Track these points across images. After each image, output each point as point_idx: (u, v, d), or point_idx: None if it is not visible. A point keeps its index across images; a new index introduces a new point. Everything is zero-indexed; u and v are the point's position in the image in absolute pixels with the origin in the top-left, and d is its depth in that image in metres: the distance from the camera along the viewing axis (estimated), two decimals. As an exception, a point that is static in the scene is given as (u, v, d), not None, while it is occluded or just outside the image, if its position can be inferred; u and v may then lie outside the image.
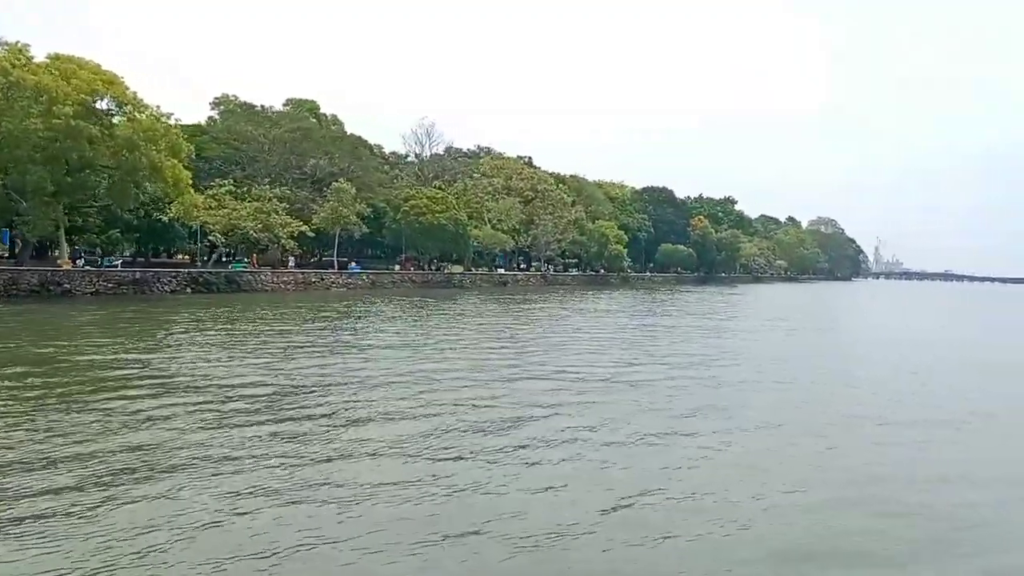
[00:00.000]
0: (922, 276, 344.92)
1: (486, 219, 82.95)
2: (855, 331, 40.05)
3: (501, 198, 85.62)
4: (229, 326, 28.01)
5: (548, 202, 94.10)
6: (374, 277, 67.37)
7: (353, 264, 72.55)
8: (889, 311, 62.62)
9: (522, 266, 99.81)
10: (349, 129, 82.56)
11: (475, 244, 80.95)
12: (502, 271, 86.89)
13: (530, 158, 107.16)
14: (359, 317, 34.68)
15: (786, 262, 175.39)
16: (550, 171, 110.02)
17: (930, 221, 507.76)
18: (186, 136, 65.36)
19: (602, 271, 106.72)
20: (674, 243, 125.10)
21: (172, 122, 47.42)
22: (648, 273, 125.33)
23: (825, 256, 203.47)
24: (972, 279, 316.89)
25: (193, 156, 50.63)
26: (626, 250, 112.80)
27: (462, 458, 10.20)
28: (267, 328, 27.44)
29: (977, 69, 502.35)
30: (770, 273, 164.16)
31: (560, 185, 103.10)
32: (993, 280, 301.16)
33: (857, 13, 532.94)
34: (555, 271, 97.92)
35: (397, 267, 74.86)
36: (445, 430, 11.73)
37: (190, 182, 48.86)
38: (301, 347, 21.81)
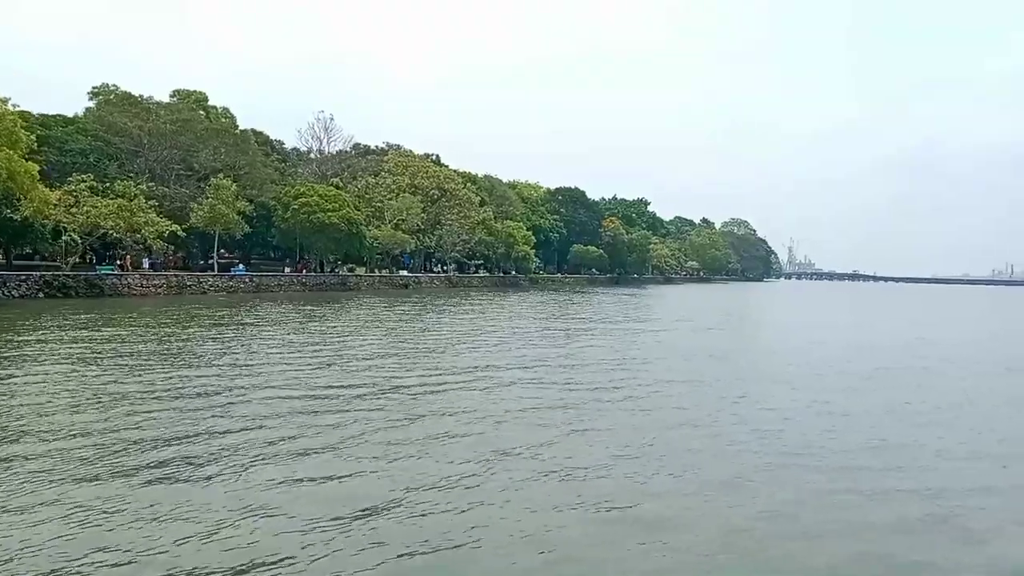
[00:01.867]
0: (831, 276, 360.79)
1: (386, 218, 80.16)
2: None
3: (405, 197, 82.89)
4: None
5: (455, 201, 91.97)
6: (259, 280, 63.67)
7: (239, 266, 68.65)
8: (756, 311, 63.35)
9: (435, 268, 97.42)
10: (261, 126, 78.67)
11: (375, 244, 78.09)
12: (404, 273, 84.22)
13: (437, 156, 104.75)
14: (186, 326, 31.60)
15: (698, 263, 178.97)
16: (460, 170, 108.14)
17: (840, 221, 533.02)
18: (46, 126, 60.57)
19: (513, 272, 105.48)
20: (586, 244, 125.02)
21: (10, 108, 42.79)
22: (560, 274, 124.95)
23: (737, 256, 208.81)
24: (876, 279, 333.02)
25: (34, 147, 45.95)
26: (538, 251, 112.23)
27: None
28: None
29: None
30: (681, 274, 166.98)
31: (470, 184, 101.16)
32: (897, 280, 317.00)
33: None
34: (459, 274, 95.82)
35: (287, 269, 71.25)
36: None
37: (37, 176, 44.42)
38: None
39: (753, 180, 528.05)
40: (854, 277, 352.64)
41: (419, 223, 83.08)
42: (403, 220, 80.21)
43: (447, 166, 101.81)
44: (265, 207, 71.30)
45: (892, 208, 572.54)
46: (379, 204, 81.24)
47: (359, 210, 78.85)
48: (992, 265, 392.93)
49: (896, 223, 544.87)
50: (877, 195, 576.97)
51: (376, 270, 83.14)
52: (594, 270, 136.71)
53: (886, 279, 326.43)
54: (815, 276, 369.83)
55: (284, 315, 38.61)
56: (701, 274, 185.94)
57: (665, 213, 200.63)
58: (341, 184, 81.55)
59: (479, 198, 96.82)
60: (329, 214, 67.72)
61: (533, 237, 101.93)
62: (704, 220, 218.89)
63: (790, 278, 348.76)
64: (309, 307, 45.43)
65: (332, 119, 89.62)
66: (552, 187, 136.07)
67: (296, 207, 67.95)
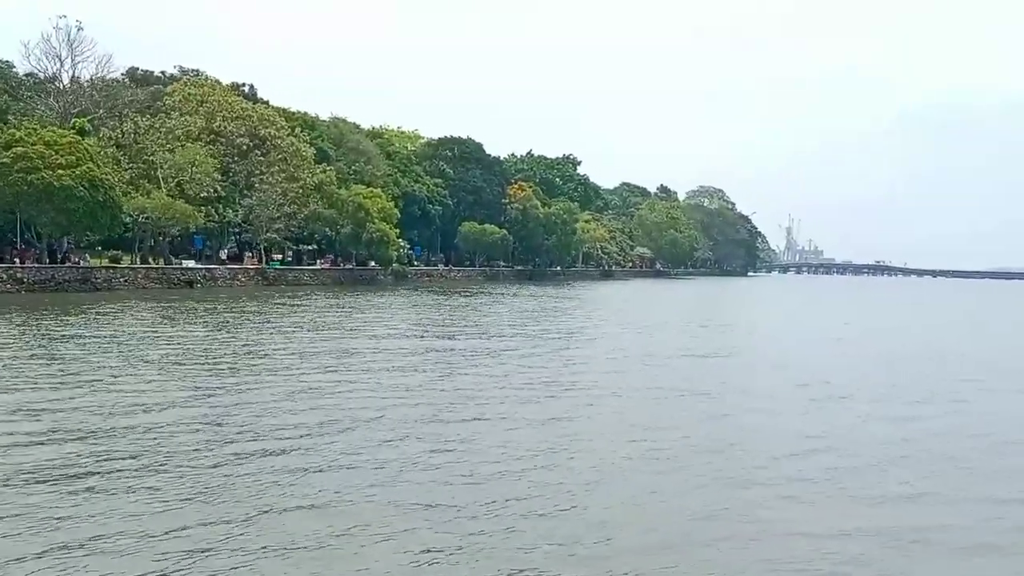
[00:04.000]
0: (845, 269, 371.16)
1: (161, 179, 75.42)
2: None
3: (190, 147, 78.24)
4: None
5: (276, 156, 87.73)
6: (-63, 275, 58.38)
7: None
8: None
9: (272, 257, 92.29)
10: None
11: (143, 220, 73.46)
12: (192, 264, 79.60)
13: (251, 86, 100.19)
14: None
15: (651, 249, 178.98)
16: (293, 109, 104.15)
17: (857, 197, 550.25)
18: None
19: (372, 263, 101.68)
20: (483, 222, 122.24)
21: None
22: (444, 265, 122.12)
23: (709, 241, 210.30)
24: (912, 272, 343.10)
25: None
26: (414, 231, 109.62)
27: None
28: None
29: None
30: (626, 266, 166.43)
31: (304, 131, 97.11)
32: (944, 274, 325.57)
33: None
34: (281, 267, 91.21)
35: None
36: None
37: None
38: None
39: (737, 144, 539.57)
40: (878, 270, 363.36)
41: (215, 187, 78.69)
42: (187, 182, 75.64)
43: (266, 102, 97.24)
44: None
45: (927, 179, 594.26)
46: (151, 158, 76.34)
47: (122, 167, 73.88)
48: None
49: (935, 200, 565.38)
50: (905, 162, 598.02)
51: (152, 259, 78.35)
52: (500, 261, 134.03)
53: (925, 273, 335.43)
54: (823, 268, 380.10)
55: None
56: (658, 265, 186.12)
57: (608, 180, 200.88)
58: (92, 127, 76.03)
59: (314, 150, 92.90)
60: (60, 172, 62.53)
61: (397, 211, 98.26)
62: (663, 188, 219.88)
63: (786, 271, 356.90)
64: None
65: (80, 29, 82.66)
66: (436, 138, 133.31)
67: (7, 161, 62.54)
